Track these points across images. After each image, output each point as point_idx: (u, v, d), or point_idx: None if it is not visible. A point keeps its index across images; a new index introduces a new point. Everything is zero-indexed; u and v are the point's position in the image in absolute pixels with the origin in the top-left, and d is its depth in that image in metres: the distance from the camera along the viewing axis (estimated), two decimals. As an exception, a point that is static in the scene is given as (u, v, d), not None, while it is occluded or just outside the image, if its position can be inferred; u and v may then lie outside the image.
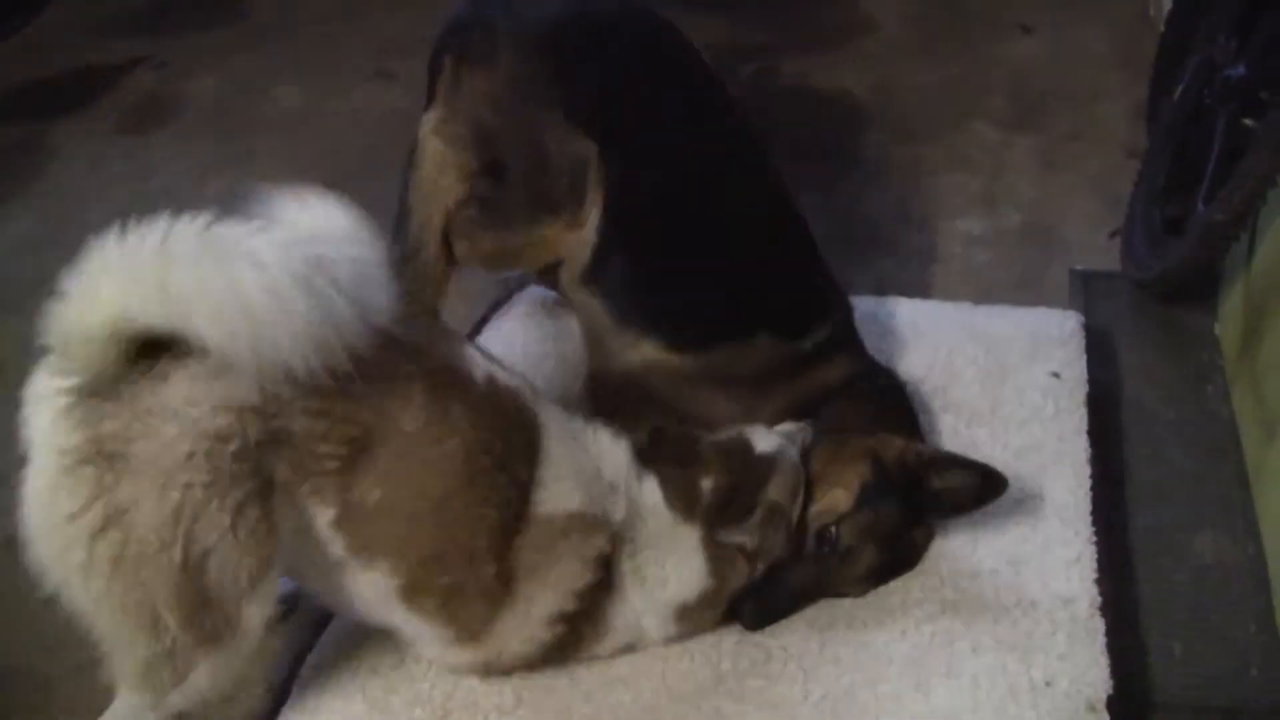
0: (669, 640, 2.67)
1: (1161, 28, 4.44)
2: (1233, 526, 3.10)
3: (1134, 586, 2.96)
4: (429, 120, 2.82)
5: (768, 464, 2.66)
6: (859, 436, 2.85)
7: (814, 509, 2.75)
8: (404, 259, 2.79)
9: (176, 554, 2.12)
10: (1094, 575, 2.78)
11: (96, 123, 5.29)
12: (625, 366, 2.96)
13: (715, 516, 2.58)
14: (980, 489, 2.78)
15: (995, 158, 4.81)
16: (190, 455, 2.10)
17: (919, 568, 2.85)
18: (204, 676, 2.26)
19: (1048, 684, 2.55)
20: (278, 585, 2.30)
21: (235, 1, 6.32)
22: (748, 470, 2.64)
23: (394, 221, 2.84)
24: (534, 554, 2.44)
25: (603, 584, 2.54)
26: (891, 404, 3.05)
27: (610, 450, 2.58)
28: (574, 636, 2.57)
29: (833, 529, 2.72)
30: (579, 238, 2.83)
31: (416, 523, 2.34)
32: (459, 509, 2.34)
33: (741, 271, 2.93)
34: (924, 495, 2.80)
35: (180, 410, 2.10)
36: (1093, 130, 4.93)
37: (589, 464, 2.53)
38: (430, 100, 2.85)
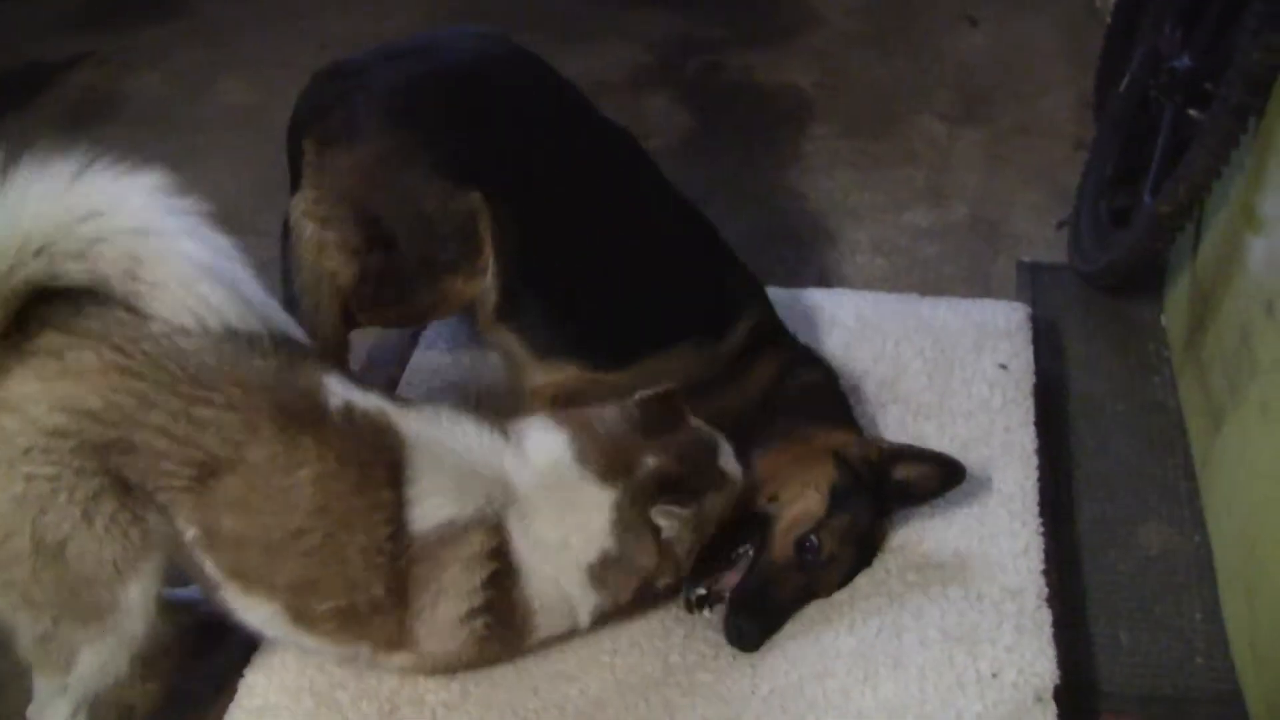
0: (599, 612, 2.62)
1: (1108, 19, 4.46)
2: (1179, 517, 3.12)
3: (1081, 577, 2.98)
4: (300, 202, 2.78)
5: (721, 478, 2.63)
6: (817, 436, 2.88)
7: (788, 515, 2.75)
8: None
9: (26, 541, 2.17)
10: (1041, 566, 2.79)
11: (38, 119, 5.22)
12: (555, 384, 2.95)
13: (652, 489, 2.53)
14: (941, 477, 2.82)
15: (942, 150, 4.82)
16: (28, 450, 2.15)
17: (865, 562, 2.87)
18: (92, 658, 2.31)
19: (995, 675, 2.56)
20: (157, 573, 2.31)
21: (178, -3, 6.27)
22: (701, 473, 2.60)
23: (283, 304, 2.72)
24: (420, 567, 2.42)
25: (504, 571, 2.49)
26: (824, 397, 3.06)
27: (479, 442, 2.54)
28: (505, 626, 2.54)
29: (813, 537, 2.72)
30: (481, 284, 2.82)
31: (277, 553, 2.35)
32: (318, 539, 2.34)
33: (650, 285, 2.95)
34: (888, 488, 2.83)
35: (19, 406, 2.15)
36: (1040, 122, 4.96)
37: (463, 467, 2.49)
38: (296, 183, 2.82)
